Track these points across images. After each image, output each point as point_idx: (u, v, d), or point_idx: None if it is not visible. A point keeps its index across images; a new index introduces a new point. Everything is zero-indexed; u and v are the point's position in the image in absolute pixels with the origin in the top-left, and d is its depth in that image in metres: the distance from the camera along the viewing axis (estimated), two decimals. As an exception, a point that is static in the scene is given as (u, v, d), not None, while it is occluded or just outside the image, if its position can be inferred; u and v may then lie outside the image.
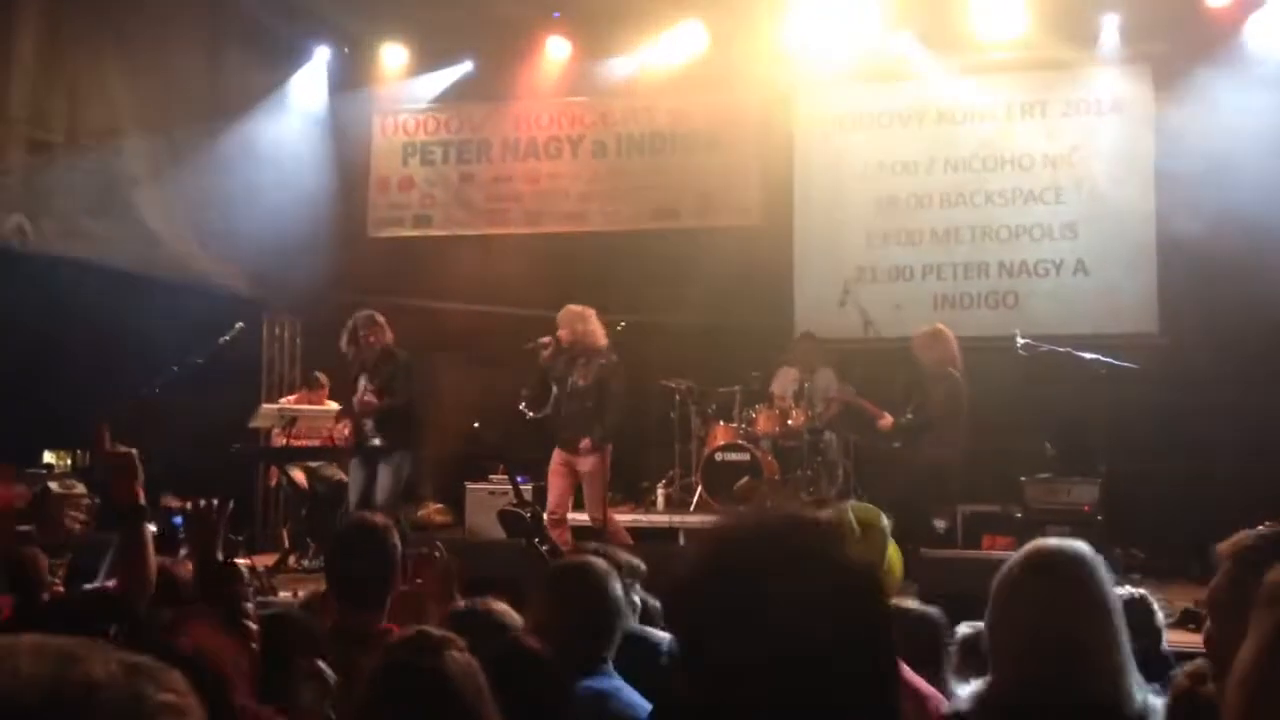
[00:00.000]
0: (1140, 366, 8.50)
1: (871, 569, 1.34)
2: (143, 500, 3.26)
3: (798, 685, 1.20)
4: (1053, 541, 2.40)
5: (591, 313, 8.13)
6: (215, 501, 3.34)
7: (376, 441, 8.24)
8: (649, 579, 4.03)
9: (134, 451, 3.28)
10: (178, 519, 3.34)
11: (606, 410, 8.02)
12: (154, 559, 3.29)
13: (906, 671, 2.81)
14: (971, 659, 3.65)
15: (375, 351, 8.29)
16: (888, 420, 8.22)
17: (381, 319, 8.36)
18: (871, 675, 1.24)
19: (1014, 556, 2.35)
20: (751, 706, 1.20)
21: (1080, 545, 2.33)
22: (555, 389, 8.15)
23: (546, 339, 8.07)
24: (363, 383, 8.33)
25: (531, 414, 8.23)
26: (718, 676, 1.23)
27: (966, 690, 2.34)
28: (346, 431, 8.97)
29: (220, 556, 3.30)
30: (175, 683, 0.74)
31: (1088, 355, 8.40)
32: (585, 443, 8.00)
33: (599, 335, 8.08)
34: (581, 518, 8.43)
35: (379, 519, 3.80)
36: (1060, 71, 10.48)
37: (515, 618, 3.31)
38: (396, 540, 3.63)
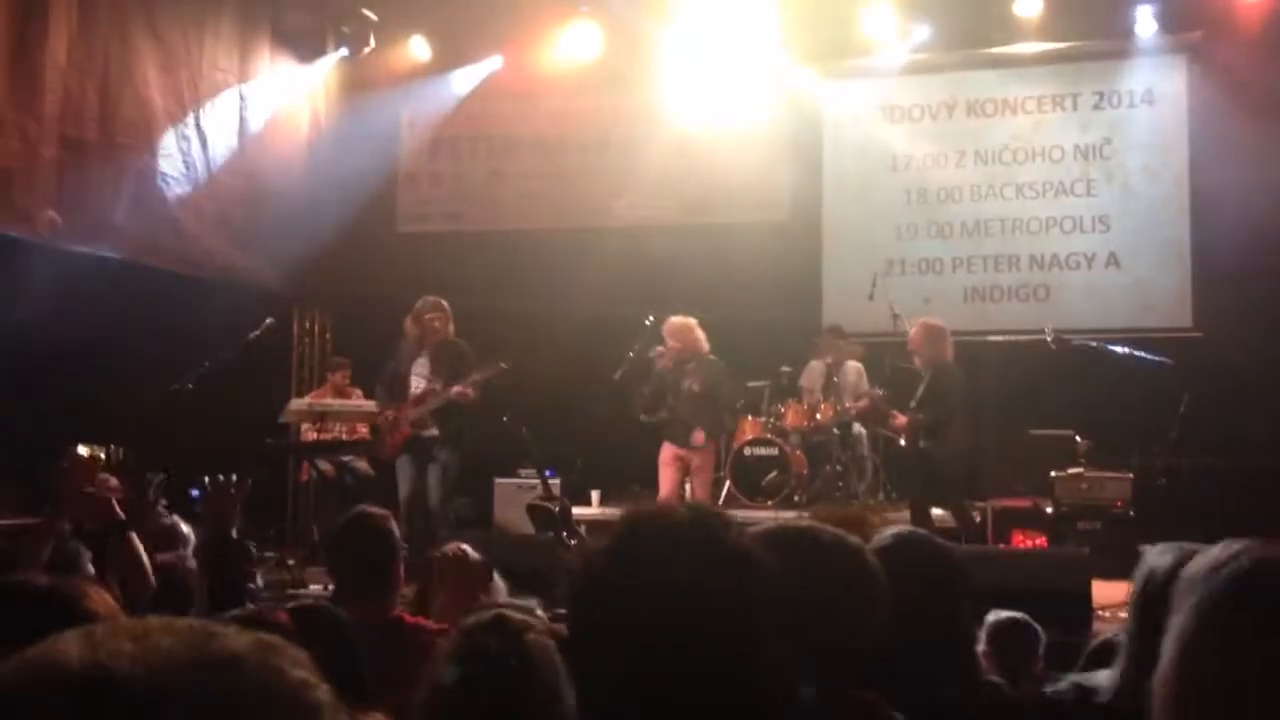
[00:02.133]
0: (1173, 361, 8.41)
1: (751, 559, 1.40)
2: (121, 515, 3.29)
3: (669, 666, 1.29)
4: None
5: (694, 322, 8.64)
6: (234, 477, 3.36)
7: (434, 432, 8.05)
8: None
9: (92, 489, 3.33)
10: (195, 491, 3.36)
11: (720, 408, 8.63)
12: (147, 563, 3.31)
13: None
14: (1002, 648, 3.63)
15: (439, 338, 8.15)
16: (901, 420, 8.10)
17: (447, 306, 8.24)
18: (737, 661, 1.31)
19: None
20: (626, 684, 1.30)
21: None
22: (669, 394, 8.54)
23: (661, 350, 8.56)
24: (421, 369, 8.14)
25: (646, 418, 8.66)
26: (598, 648, 1.35)
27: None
28: (365, 428, 8.92)
29: (234, 534, 3.32)
30: (304, 660, 0.74)
31: (1120, 349, 8.33)
32: (699, 435, 8.47)
33: (703, 342, 8.59)
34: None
35: (380, 512, 3.81)
36: (1093, 63, 10.39)
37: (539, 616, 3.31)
38: (395, 530, 3.64)
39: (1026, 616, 3.69)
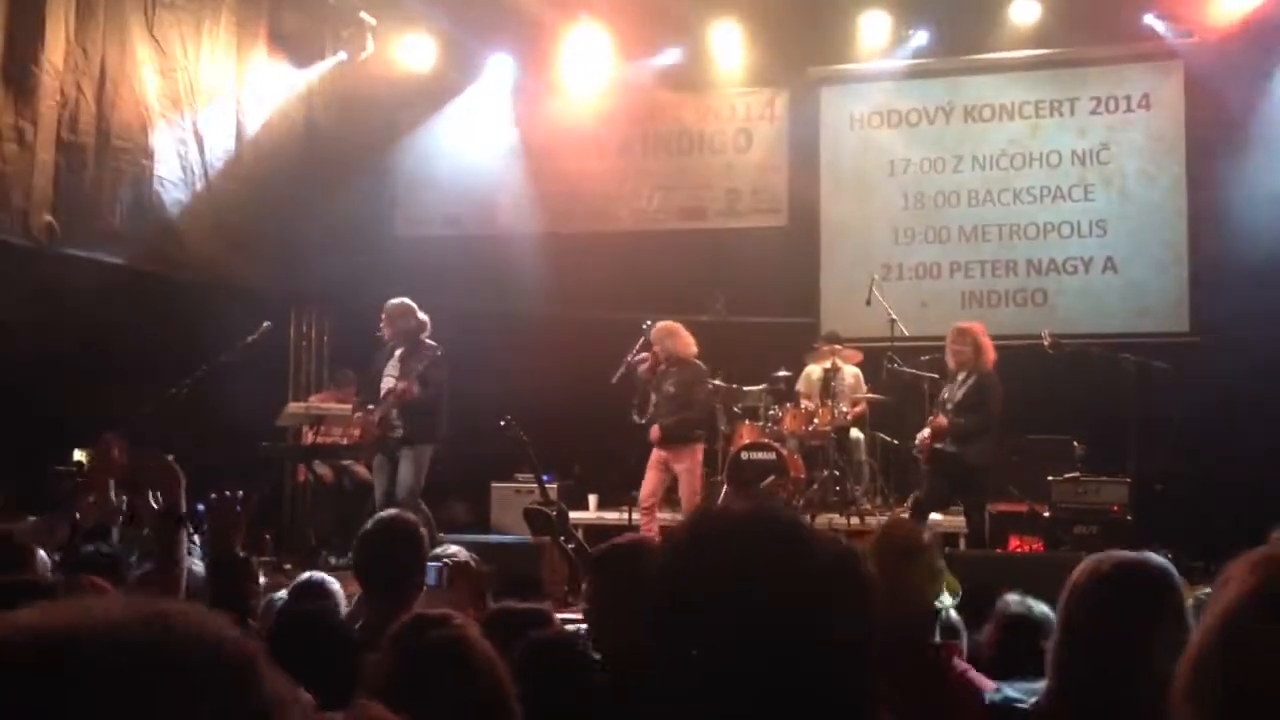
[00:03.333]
0: (1171, 366, 8.41)
1: (846, 558, 1.37)
2: (183, 506, 3.26)
3: (759, 665, 1.25)
4: None
5: (678, 327, 8.73)
6: (240, 494, 3.34)
7: (398, 432, 8.17)
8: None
9: (171, 458, 3.29)
10: (199, 507, 3.34)
11: (693, 411, 8.67)
12: (185, 564, 3.30)
13: (959, 662, 2.77)
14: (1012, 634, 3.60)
15: (406, 339, 8.24)
16: (942, 421, 8.06)
17: (413, 306, 8.30)
18: (835, 667, 1.28)
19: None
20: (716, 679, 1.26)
21: None
22: (654, 397, 8.66)
23: (645, 355, 8.64)
24: (391, 369, 8.26)
25: (640, 420, 8.74)
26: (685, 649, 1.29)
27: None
28: (358, 432, 8.97)
29: (240, 552, 3.30)
30: (231, 623, 0.80)
31: (1117, 354, 8.33)
32: (654, 431, 8.58)
33: (687, 346, 8.68)
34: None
35: (409, 516, 3.84)
36: (1090, 68, 10.41)
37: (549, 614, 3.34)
38: (425, 535, 3.66)
39: (1045, 608, 3.65)
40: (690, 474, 8.61)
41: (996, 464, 8.20)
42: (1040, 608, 3.62)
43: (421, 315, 8.31)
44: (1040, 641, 3.49)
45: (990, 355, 8.04)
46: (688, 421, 8.62)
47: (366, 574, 3.72)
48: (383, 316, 8.30)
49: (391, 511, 3.90)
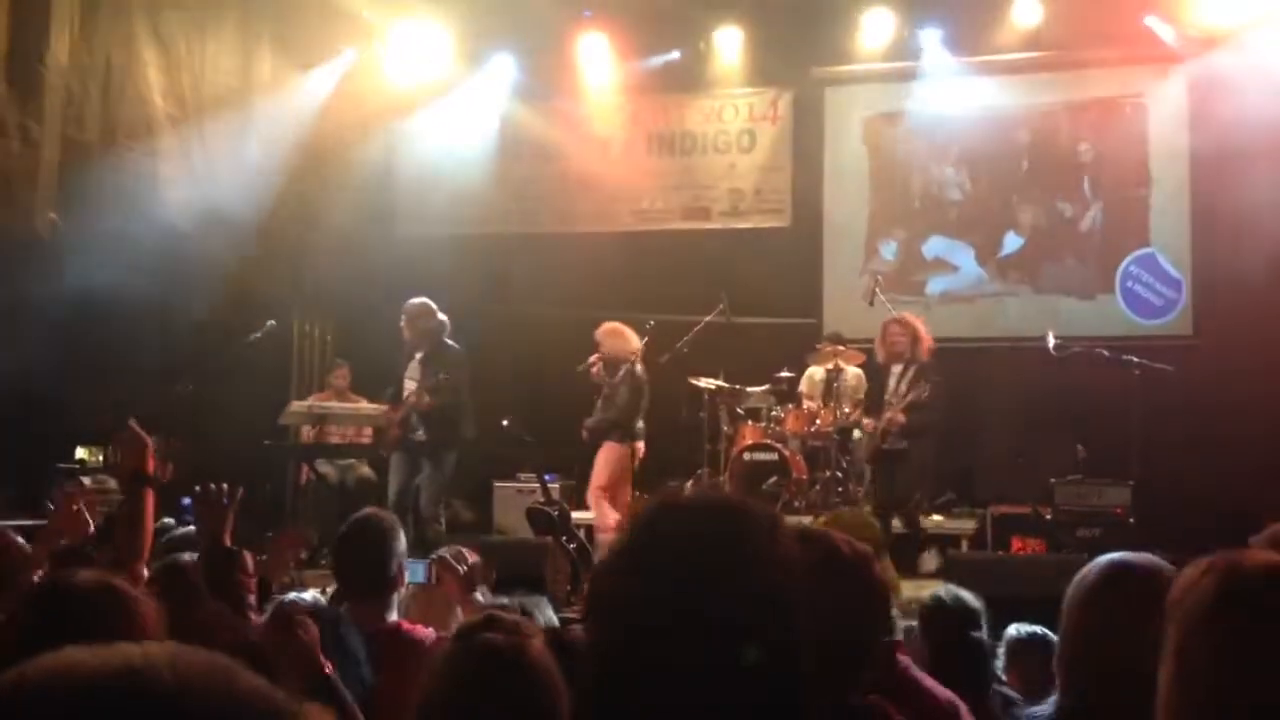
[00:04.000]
0: (1173, 368, 8.41)
1: (795, 560, 1.32)
2: (151, 470, 3.29)
3: (703, 663, 1.20)
4: None
5: (621, 327, 8.72)
6: (225, 486, 3.36)
7: (419, 434, 8.18)
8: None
9: (143, 434, 3.33)
10: (186, 500, 3.36)
11: (612, 411, 8.62)
12: (151, 526, 3.31)
13: (919, 674, 2.73)
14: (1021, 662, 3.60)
15: (427, 340, 8.23)
16: (900, 417, 8.09)
17: (432, 307, 8.29)
18: (771, 669, 1.23)
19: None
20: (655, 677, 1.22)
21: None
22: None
23: (594, 358, 8.63)
24: (413, 372, 8.25)
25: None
26: (624, 644, 1.25)
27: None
28: (369, 431, 8.99)
29: (228, 542, 3.31)
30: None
31: (1120, 356, 8.33)
32: (586, 435, 8.68)
33: (627, 346, 8.66)
34: (587, 517, 8.46)
35: (384, 515, 3.83)
36: (1091, 70, 10.39)
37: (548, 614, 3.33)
38: (400, 535, 3.65)
39: (1045, 631, 3.66)
40: (599, 470, 8.61)
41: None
42: (963, 595, 3.62)
43: (441, 316, 8.30)
44: (968, 631, 3.49)
45: (927, 344, 8.08)
46: (605, 421, 8.66)
47: (343, 572, 3.73)
48: (402, 318, 8.28)
49: (370, 510, 3.90)
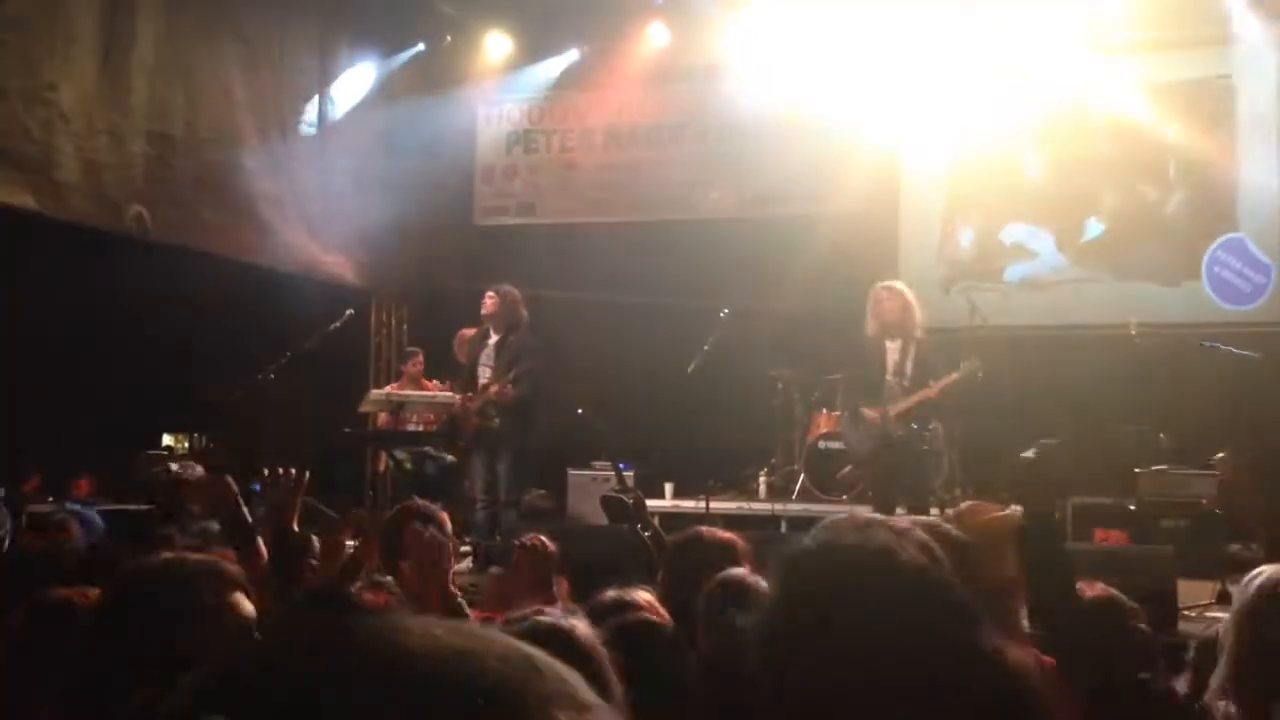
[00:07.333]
0: (1261, 355, 8.19)
1: (965, 613, 1.30)
2: (245, 514, 3.33)
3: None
4: None
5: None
6: (293, 471, 3.40)
7: (495, 422, 8.20)
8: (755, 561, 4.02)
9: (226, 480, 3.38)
10: (257, 485, 3.41)
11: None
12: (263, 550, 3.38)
13: None
14: None
15: (506, 326, 8.24)
16: (928, 393, 7.54)
17: (516, 295, 8.28)
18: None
19: None
20: None
21: None
22: None
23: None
24: (487, 359, 8.26)
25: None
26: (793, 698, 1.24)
27: None
28: (430, 416, 9.05)
29: (295, 527, 3.37)
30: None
31: (1206, 343, 8.14)
32: None
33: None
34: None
35: (424, 504, 3.89)
36: (1184, 50, 10.12)
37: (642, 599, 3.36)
38: (443, 521, 3.70)
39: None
40: None
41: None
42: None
43: (523, 310, 8.33)
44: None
45: (918, 316, 7.55)
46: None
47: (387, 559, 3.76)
48: (491, 293, 8.25)
49: (413, 499, 3.96)
